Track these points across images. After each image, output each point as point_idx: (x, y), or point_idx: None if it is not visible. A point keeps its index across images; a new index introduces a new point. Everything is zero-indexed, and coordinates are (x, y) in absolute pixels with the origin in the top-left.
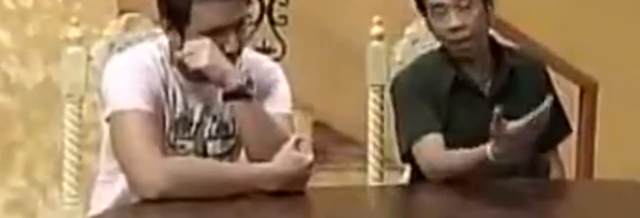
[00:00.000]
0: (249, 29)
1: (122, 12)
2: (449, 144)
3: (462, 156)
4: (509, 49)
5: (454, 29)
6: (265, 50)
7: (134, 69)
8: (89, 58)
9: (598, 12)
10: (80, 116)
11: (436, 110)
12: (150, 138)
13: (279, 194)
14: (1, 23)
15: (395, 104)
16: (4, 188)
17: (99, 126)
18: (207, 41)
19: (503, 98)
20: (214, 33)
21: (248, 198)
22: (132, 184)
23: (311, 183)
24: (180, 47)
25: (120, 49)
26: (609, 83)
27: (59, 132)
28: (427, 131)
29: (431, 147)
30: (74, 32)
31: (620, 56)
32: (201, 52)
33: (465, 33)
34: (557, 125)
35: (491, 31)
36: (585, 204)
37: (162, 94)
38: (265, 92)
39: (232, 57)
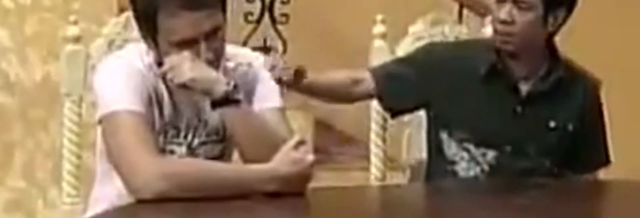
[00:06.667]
0: (223, 35)
1: (121, 10)
2: (468, 139)
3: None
4: (566, 59)
5: (502, 22)
6: (266, 49)
7: (124, 71)
8: (88, 57)
9: (601, 11)
10: (79, 115)
11: (463, 99)
12: (144, 139)
13: (279, 194)
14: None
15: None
16: (3, 188)
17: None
18: (186, 54)
19: (541, 103)
20: (184, 44)
21: (247, 198)
22: (128, 185)
23: (313, 183)
24: (159, 59)
25: (119, 48)
26: (612, 83)
27: (58, 131)
28: (370, 69)
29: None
30: (72, 31)
31: (623, 56)
32: (182, 66)
33: (511, 29)
34: (587, 153)
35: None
36: (588, 204)
37: (153, 97)
38: (253, 88)
39: (212, 63)
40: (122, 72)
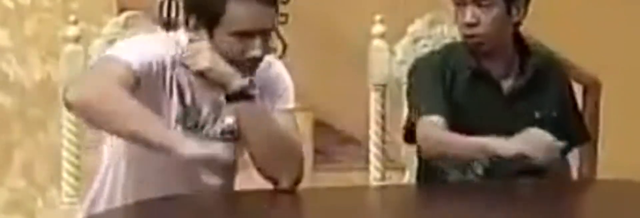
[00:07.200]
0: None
1: (121, 10)
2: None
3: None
4: (532, 45)
5: (468, 25)
6: None
7: (151, 46)
8: (87, 57)
9: (601, 9)
10: None
11: (451, 98)
12: (120, 83)
13: (279, 194)
14: None
15: (412, 82)
16: (2, 188)
17: None
18: (205, 43)
19: (524, 96)
20: (244, 35)
21: (249, 198)
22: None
23: (313, 183)
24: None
25: None
26: (613, 82)
27: (57, 131)
28: (429, 111)
29: (429, 128)
30: (72, 31)
31: (623, 55)
32: (201, 54)
33: (479, 30)
34: (574, 129)
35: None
36: (586, 204)
37: (169, 87)
38: (267, 88)
39: (255, 61)
40: (149, 45)
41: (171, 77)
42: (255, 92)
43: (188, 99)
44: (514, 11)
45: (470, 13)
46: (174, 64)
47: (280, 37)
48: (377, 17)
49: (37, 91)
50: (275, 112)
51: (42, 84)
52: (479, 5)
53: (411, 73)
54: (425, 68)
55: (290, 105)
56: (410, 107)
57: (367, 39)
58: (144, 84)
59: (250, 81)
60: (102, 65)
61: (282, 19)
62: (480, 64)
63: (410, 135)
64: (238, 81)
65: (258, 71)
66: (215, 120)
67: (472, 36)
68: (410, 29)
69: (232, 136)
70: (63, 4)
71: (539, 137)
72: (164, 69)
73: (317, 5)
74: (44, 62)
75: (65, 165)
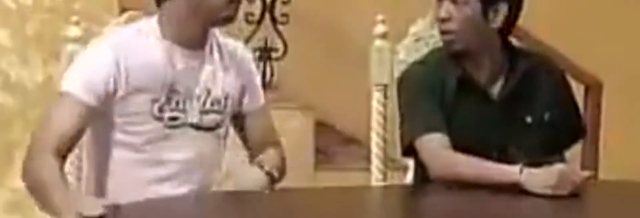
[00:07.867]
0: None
1: (122, 10)
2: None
3: (484, 168)
4: (522, 50)
5: (441, 20)
6: (266, 49)
7: (99, 64)
8: None
9: (602, 10)
10: None
11: (442, 110)
12: (64, 132)
13: (279, 194)
14: (1, 22)
15: (401, 98)
16: (3, 188)
17: None
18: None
19: (514, 102)
20: None
21: (248, 198)
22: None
23: (314, 184)
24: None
25: None
26: (614, 82)
27: None
28: (432, 129)
29: (435, 147)
30: (73, 31)
31: (624, 55)
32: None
33: (450, 26)
34: (570, 127)
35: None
36: (587, 204)
37: (148, 69)
38: (246, 83)
39: (228, 20)
40: (105, 53)
41: (158, 62)
42: (277, 174)
43: (170, 77)
44: (490, 15)
45: (444, 9)
46: (151, 47)
47: (281, 37)
48: (379, 18)
49: (38, 91)
50: (258, 111)
51: (43, 85)
52: (454, 2)
53: (400, 88)
54: (414, 82)
55: (262, 100)
56: (405, 123)
57: (369, 39)
58: (111, 96)
59: (268, 173)
60: (58, 108)
61: (284, 19)
62: (465, 72)
63: (410, 150)
64: (264, 179)
65: (234, 60)
66: (200, 94)
67: (444, 32)
68: (412, 29)
69: (219, 107)
70: (65, 4)
71: (568, 175)
72: (126, 71)
73: (319, 6)
74: (45, 63)
75: (66, 165)
